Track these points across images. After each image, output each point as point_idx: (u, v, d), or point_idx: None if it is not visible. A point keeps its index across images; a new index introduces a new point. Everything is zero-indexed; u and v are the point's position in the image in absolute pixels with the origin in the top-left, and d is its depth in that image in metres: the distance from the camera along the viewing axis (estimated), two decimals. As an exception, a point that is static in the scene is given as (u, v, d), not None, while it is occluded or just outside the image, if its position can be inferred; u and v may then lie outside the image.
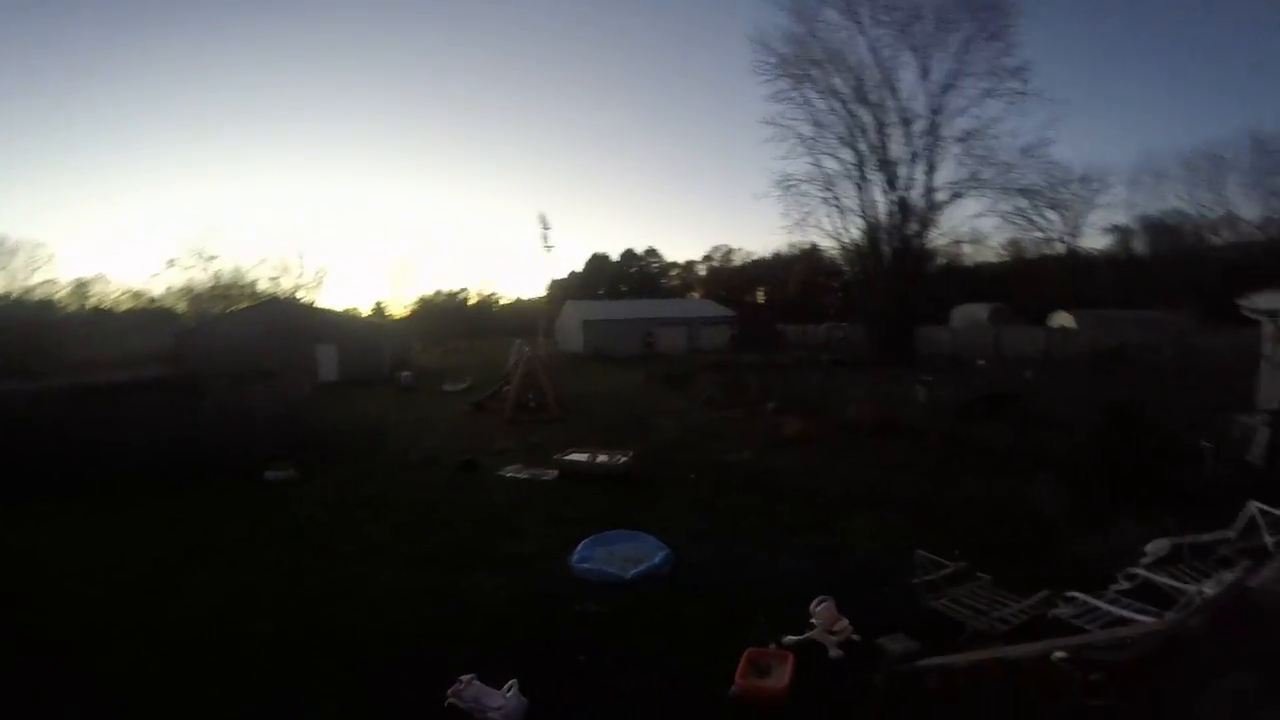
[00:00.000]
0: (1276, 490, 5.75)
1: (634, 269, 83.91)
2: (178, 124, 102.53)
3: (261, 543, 7.53)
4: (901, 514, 7.90)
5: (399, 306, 71.30)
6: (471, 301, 79.41)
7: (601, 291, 74.21)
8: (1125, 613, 4.24)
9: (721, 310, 50.33)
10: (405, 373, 28.24)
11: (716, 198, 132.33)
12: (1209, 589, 4.14)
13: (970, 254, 50.80)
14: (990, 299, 39.64)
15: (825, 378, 16.95)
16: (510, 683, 3.97)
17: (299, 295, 53.12)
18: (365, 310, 69.75)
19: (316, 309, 40.34)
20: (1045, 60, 77.68)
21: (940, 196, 32.62)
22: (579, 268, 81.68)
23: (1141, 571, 4.90)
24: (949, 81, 31.33)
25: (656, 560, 6.30)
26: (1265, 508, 4.91)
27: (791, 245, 50.11)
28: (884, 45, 32.25)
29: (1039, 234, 42.52)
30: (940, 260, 40.59)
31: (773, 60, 34.50)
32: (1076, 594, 4.63)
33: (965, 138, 31.90)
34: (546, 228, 29.69)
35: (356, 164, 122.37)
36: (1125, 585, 4.84)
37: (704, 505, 8.65)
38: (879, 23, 32.10)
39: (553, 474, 10.31)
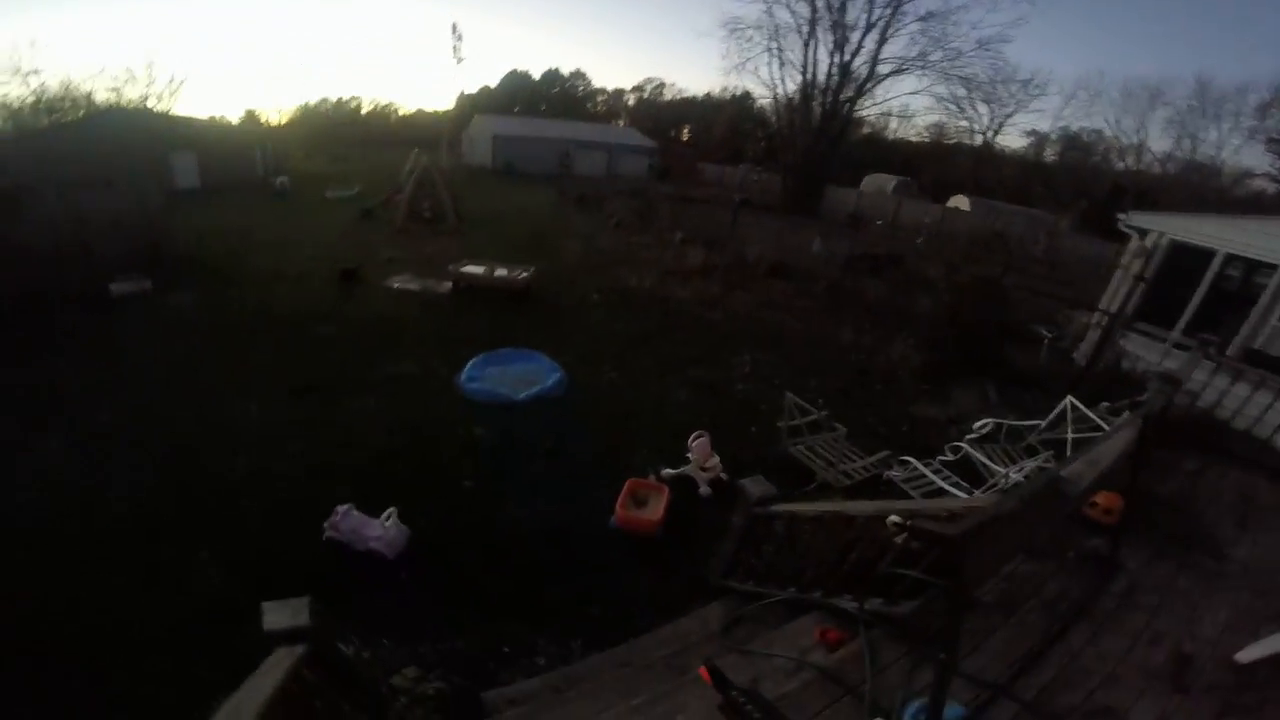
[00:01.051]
0: (1092, 387, 6.29)
1: (556, 90, 76.01)
2: None
3: (111, 377, 6.25)
4: (781, 354, 8.23)
5: (276, 114, 61.39)
6: (364, 111, 69.64)
7: (517, 109, 67.23)
8: (945, 485, 4.88)
9: (644, 140, 47.41)
10: (281, 178, 24.88)
11: (653, 29, 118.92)
12: (1014, 473, 4.84)
13: (894, 130, 50.77)
14: (900, 173, 40.16)
15: (734, 217, 16.71)
16: (389, 511, 3.86)
17: (148, 105, 44.09)
18: (233, 118, 59.51)
19: (170, 116, 34.49)
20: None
21: (883, 69, 31.88)
22: (494, 84, 72.74)
23: (965, 446, 5.46)
24: None
25: (549, 383, 6.20)
26: (1078, 405, 5.28)
27: (724, 89, 48.03)
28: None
29: (964, 123, 43.30)
30: (865, 130, 40.39)
31: None
32: (909, 459, 5.20)
33: (927, 17, 30.42)
34: (459, 38, 25.60)
35: None
36: (949, 457, 5.41)
37: (602, 329, 8.60)
38: None
39: (446, 286, 9.75)
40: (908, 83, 68.92)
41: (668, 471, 4.92)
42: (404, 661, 2.88)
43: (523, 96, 72.30)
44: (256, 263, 11.53)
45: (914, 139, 51.91)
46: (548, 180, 32.56)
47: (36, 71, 42.67)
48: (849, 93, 32.59)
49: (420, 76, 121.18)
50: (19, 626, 3.24)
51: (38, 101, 42.74)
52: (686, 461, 4.93)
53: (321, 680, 2.08)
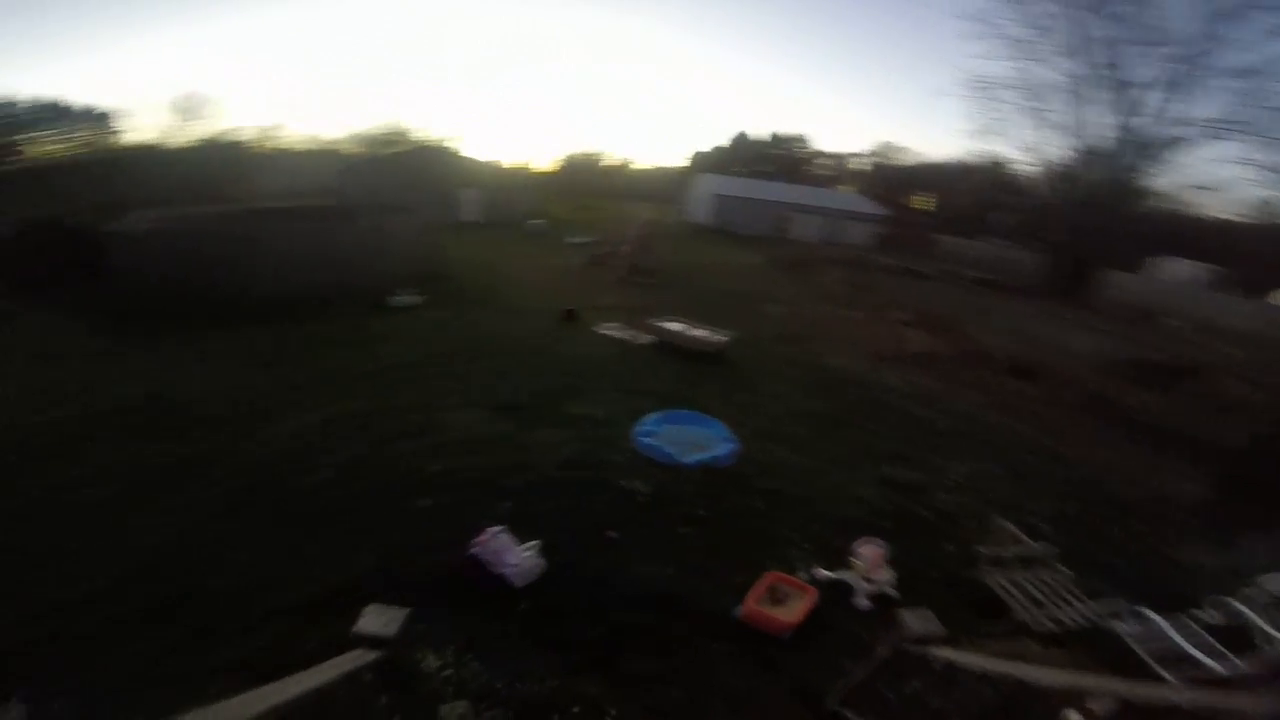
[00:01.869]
0: None
1: (779, 150, 77.46)
2: None
3: (361, 375, 7.90)
4: (1006, 466, 6.93)
5: (542, 161, 72.63)
6: (609, 164, 78.73)
7: (740, 169, 69.87)
8: (1195, 650, 3.51)
9: (869, 207, 45.45)
10: (537, 221, 28.97)
11: (882, 90, 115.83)
12: None
13: (1197, 204, 40.88)
14: (1208, 260, 32.07)
15: (970, 298, 14.83)
16: (533, 543, 4.01)
17: (448, 144, 56.13)
18: (509, 162, 71.92)
19: (464, 157, 42.25)
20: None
21: (1182, 132, 25.73)
22: (725, 143, 76.99)
23: (1239, 605, 3.86)
24: (1229, 9, 23.33)
25: (720, 451, 6.04)
26: None
27: (970, 153, 43.36)
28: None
29: None
30: (1154, 203, 32.99)
31: None
32: (1147, 611, 3.87)
33: (1242, 74, 24.17)
34: (694, 100, 27.58)
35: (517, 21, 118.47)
36: (1211, 616, 3.89)
37: (790, 405, 8.10)
38: None
39: (647, 339, 10.19)
40: (1215, 148, 55.64)
41: (823, 573, 4.29)
42: (480, 691, 2.94)
43: (747, 157, 74.87)
44: (503, 293, 13.55)
45: (1228, 218, 41.48)
46: (763, 242, 32.81)
47: (380, 106, 56.85)
48: (1132, 159, 27.01)
49: (658, 132, 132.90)
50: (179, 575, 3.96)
51: (381, 133, 57.32)
52: (849, 566, 4.29)
53: (378, 687, 2.16)
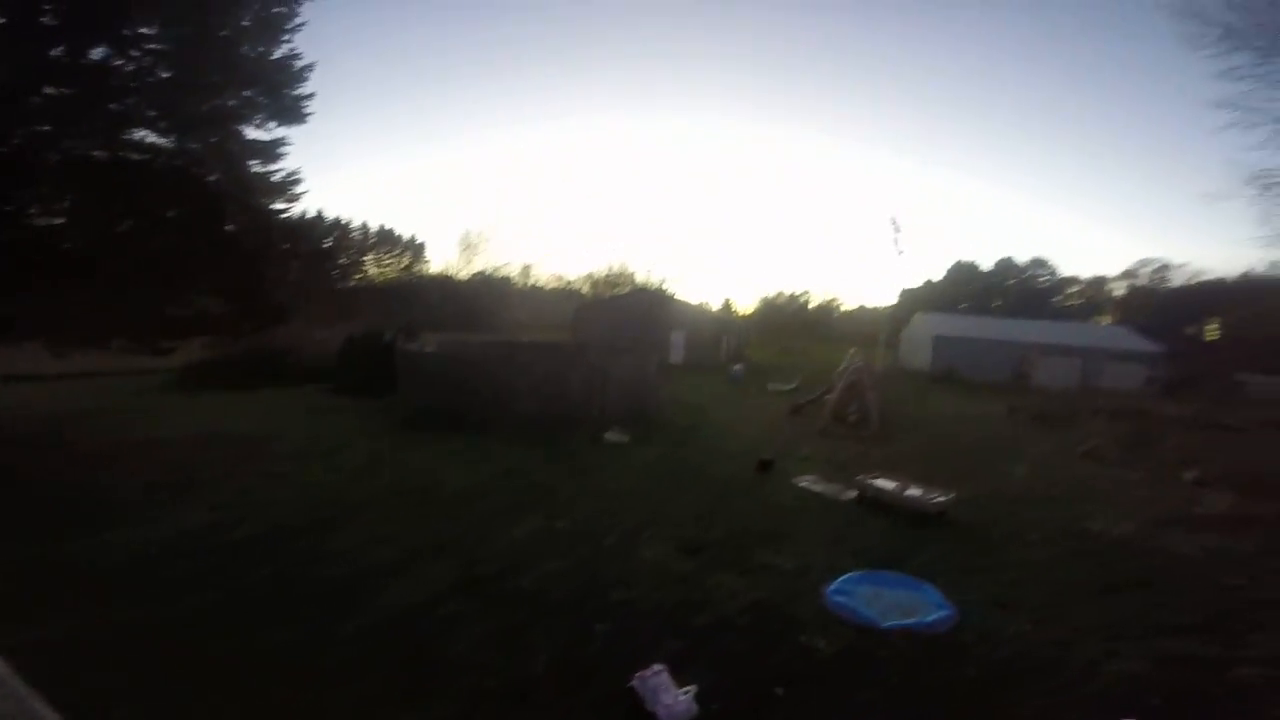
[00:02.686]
0: None
1: (1012, 281, 70.29)
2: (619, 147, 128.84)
3: (577, 496, 8.78)
4: None
5: (743, 303, 76.19)
6: (812, 305, 79.42)
7: (964, 305, 64.42)
8: None
9: (1139, 343, 37.97)
10: (737, 366, 29.90)
11: (1140, 200, 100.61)
12: None
13: None
14: None
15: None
16: (689, 688, 3.98)
17: (663, 286, 62.23)
18: (714, 304, 76.93)
19: (674, 299, 46.27)
20: None
21: None
22: (938, 277, 72.77)
23: None
24: None
25: (930, 618, 5.22)
26: None
27: (1272, 263, 34.10)
28: None
29: None
30: None
31: (1216, 31, 23.73)
32: None
33: None
34: (898, 230, 27.48)
35: (721, 168, 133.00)
36: None
37: (1034, 573, 6.72)
38: None
39: (851, 495, 9.44)
40: None
41: None
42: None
43: (970, 291, 68.92)
44: (703, 437, 13.99)
45: None
46: (999, 390, 29.23)
47: (614, 248, 65.27)
48: None
49: (863, 270, 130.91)
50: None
51: (608, 274, 65.69)
52: None
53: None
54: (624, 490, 9.26)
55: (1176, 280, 59.97)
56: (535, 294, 69.27)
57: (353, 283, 57.43)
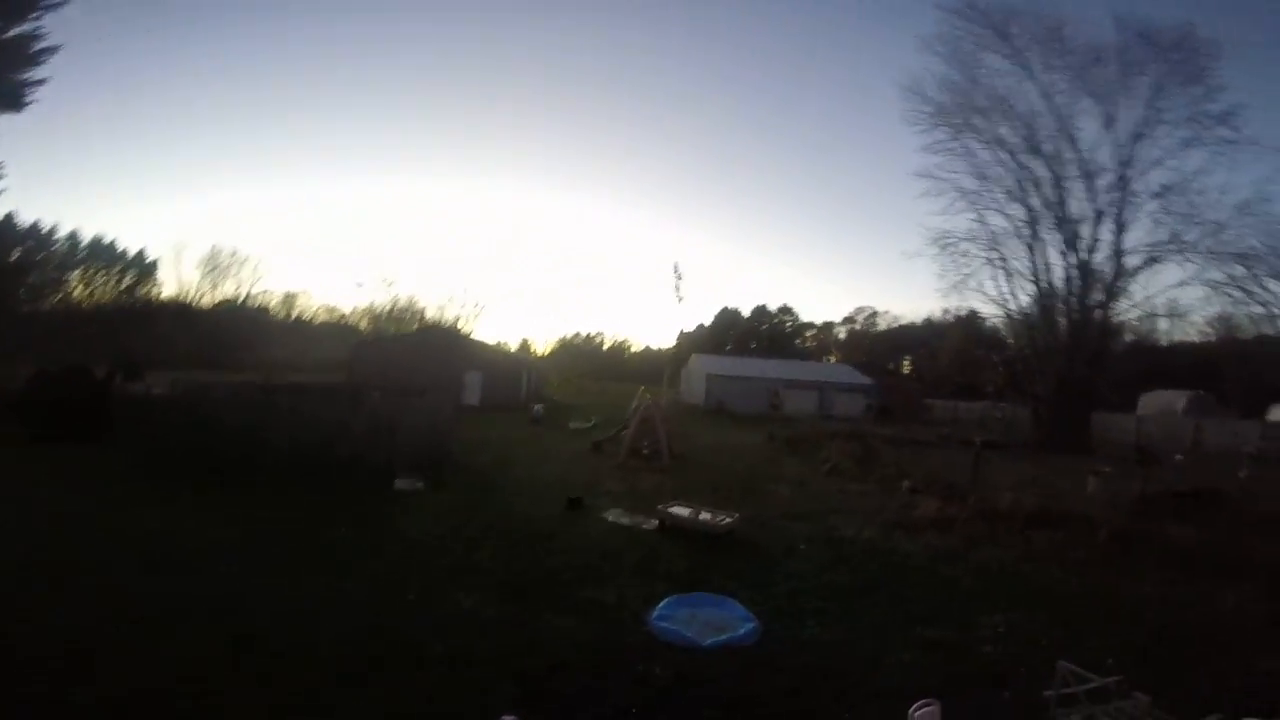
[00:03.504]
0: None
1: (764, 326, 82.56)
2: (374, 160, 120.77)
3: (369, 550, 7.86)
4: (1047, 612, 6.79)
5: (540, 344, 76.57)
6: (606, 346, 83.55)
7: (729, 347, 73.65)
8: None
9: (859, 378, 47.37)
10: (537, 406, 29.81)
11: (861, 256, 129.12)
12: None
13: (1166, 331, 43.08)
14: (1190, 384, 32.81)
15: (975, 460, 14.88)
16: None
17: (457, 324, 59.22)
18: (511, 344, 75.83)
19: (469, 338, 44.48)
20: (1263, 103, 64.22)
21: (1132, 261, 27.86)
22: (708, 321, 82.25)
23: None
24: (1140, 130, 27.06)
25: (740, 632, 5.76)
26: None
27: (947, 311, 45.36)
28: (1059, 91, 28.67)
29: (1258, 309, 34.87)
30: (1128, 337, 34.60)
31: (928, 109, 32.09)
32: None
33: (1162, 193, 26.97)
34: (679, 278, 30.40)
35: (518, 211, 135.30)
36: None
37: (809, 580, 7.83)
38: (1051, 68, 28.66)
39: (653, 524, 10.00)
40: (1168, 273, 57.91)
41: None
42: None
43: (734, 334, 79.28)
44: (506, 479, 13.51)
45: (1196, 340, 42.54)
46: (758, 420, 33.51)
47: (393, 283, 59.70)
48: (1097, 296, 28.22)
49: (650, 312, 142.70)
50: None
51: (391, 310, 59.75)
52: None
53: None
54: (423, 540, 8.54)
55: (882, 325, 76.12)
56: (301, 328, 60.48)
57: (49, 305, 44.06)
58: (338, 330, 59.17)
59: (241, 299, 59.60)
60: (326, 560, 7.35)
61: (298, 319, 65.42)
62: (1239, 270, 26.32)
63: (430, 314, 60.35)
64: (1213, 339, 39.83)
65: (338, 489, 10.92)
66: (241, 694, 4.24)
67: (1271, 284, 27.57)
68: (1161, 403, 31.83)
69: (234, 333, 43.24)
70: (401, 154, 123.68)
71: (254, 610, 5.69)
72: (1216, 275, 26.91)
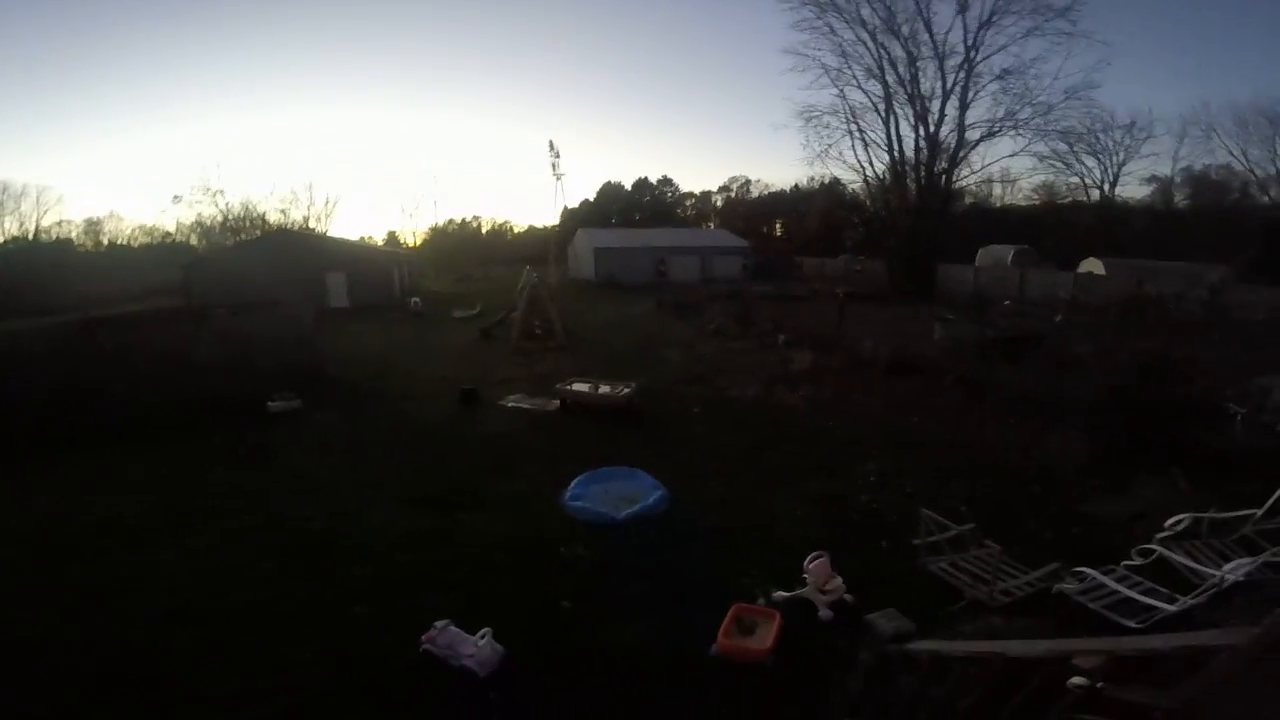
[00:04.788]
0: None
1: (648, 198, 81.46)
2: (179, 59, 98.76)
3: (258, 485, 7.10)
4: (912, 459, 7.60)
5: (411, 235, 70.35)
6: (485, 230, 78.62)
7: (614, 220, 72.35)
8: (1136, 594, 4.05)
9: (736, 241, 48.91)
10: (415, 299, 28.06)
11: (734, 129, 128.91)
12: (1232, 574, 3.93)
13: (1000, 195, 49.33)
14: (1018, 242, 37.83)
15: (840, 312, 16.26)
16: (484, 630, 3.87)
17: (309, 226, 52.65)
18: (378, 240, 69.06)
19: (326, 238, 40.03)
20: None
21: (972, 135, 31.45)
22: (592, 196, 79.57)
23: (1158, 547, 4.53)
24: (989, 18, 29.19)
25: (651, 500, 6.11)
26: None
27: (812, 178, 49.56)
28: (918, -25, 29.93)
29: (1075, 179, 41.28)
30: (968, 200, 39.34)
31: None
32: (1086, 570, 4.35)
33: (1003, 75, 30.11)
34: (556, 155, 28.64)
35: (368, 94, 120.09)
36: (1138, 561, 4.50)
37: (706, 442, 8.41)
38: None
39: (554, 405, 10.13)
40: (1003, 145, 67.92)
41: (780, 595, 4.48)
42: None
43: (618, 207, 77.81)
44: (391, 382, 12.79)
45: (1024, 203, 50.44)
46: (647, 289, 34.03)
47: (222, 191, 51.42)
48: (942, 164, 31.97)
49: (530, 194, 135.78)
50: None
51: (224, 220, 51.99)
52: (803, 584, 4.48)
53: None
54: (313, 467, 7.78)
55: (755, 192, 78.01)
56: (118, 254, 51.55)
57: None
58: (166, 251, 50.77)
59: (31, 234, 50.60)
60: (212, 515, 6.29)
61: (110, 245, 55.91)
62: (1062, 146, 32.89)
63: (274, 219, 52.52)
64: (1037, 202, 48.16)
65: (201, 427, 9.49)
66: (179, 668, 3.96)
67: (1087, 159, 35.17)
68: (994, 256, 36.20)
69: (30, 274, 35.33)
70: (215, 49, 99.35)
71: (154, 575, 5.13)
72: (1043, 149, 33.14)
